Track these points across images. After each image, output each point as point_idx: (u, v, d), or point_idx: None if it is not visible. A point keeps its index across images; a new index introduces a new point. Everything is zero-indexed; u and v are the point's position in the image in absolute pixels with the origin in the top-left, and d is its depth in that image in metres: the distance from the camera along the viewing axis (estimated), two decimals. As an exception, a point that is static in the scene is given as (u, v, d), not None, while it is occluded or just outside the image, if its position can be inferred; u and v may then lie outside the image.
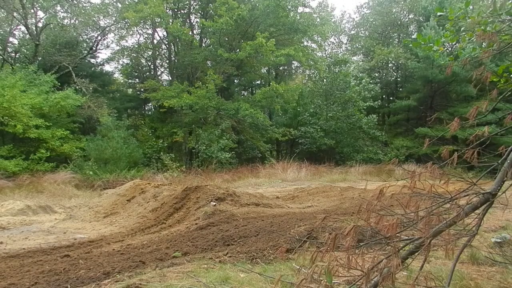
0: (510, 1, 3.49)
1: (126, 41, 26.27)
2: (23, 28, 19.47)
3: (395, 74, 28.42)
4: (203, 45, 23.47)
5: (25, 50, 20.61)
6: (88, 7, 21.05)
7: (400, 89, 27.34)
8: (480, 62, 3.60)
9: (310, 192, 9.86)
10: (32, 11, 19.46)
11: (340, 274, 1.88)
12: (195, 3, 23.89)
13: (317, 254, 1.65)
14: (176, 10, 22.80)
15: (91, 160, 15.16)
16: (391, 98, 28.03)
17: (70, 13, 21.46)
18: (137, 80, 26.26)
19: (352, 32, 31.75)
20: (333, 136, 22.06)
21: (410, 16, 28.15)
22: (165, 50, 24.87)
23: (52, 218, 7.32)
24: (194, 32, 23.78)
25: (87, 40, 22.92)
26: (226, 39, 21.79)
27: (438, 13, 4.09)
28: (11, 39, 20.40)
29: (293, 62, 26.44)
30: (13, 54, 21.04)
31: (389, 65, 28.33)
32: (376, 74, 28.34)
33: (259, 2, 20.46)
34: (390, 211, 1.87)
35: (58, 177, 13.12)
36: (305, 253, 2.83)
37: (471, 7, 4.05)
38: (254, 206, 6.72)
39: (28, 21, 18.91)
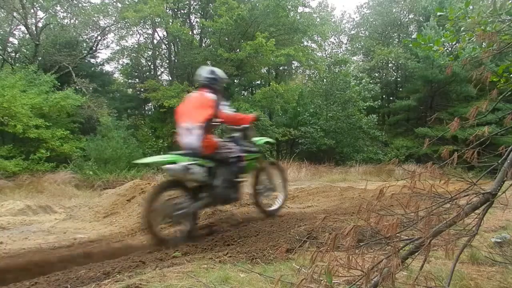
0: (510, 1, 3.49)
1: (126, 41, 26.26)
2: (23, 28, 19.49)
3: (395, 74, 28.42)
4: (203, 45, 23.48)
5: (25, 50, 20.61)
6: (88, 7, 21.05)
7: (400, 89, 27.33)
8: (480, 62, 3.60)
9: (310, 192, 9.84)
10: (32, 11, 19.45)
11: (340, 274, 1.88)
12: (195, 3, 23.90)
13: (317, 254, 1.65)
14: (176, 10, 22.81)
15: (91, 160, 15.15)
16: (391, 98, 28.02)
17: (70, 13, 21.48)
18: (137, 80, 26.25)
19: (352, 32, 31.76)
20: (333, 136, 22.06)
21: (410, 16, 28.16)
22: (165, 50, 24.88)
23: (52, 218, 7.31)
24: (194, 32, 23.78)
25: (87, 40, 22.92)
26: (226, 39, 21.79)
27: (438, 13, 4.09)
28: (11, 39, 20.43)
29: (293, 62, 26.43)
30: (13, 54, 21.05)
31: (389, 65, 28.33)
32: (376, 74, 28.34)
33: (259, 2, 20.46)
34: (390, 211, 1.87)
35: (58, 177, 13.11)
36: (305, 253, 2.82)
37: (471, 7, 4.05)
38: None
39: (28, 21, 18.90)
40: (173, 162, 3.59)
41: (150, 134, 21.04)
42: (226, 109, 3.96)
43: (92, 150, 15.47)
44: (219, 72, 4.25)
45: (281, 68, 26.99)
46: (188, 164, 3.61)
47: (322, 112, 22.91)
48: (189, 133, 3.73)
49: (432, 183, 1.77)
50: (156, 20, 21.07)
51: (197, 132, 3.70)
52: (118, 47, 24.31)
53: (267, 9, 19.83)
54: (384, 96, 28.45)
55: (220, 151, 3.93)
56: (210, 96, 3.86)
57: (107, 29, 22.07)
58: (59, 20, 20.84)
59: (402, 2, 27.60)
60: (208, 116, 3.75)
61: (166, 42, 24.02)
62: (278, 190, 5.01)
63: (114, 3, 21.83)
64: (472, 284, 2.40)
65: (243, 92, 27.44)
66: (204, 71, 4.16)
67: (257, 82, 26.89)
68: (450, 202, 1.80)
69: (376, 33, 29.06)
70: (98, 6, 20.90)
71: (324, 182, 13.74)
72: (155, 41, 24.43)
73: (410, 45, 4.49)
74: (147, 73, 25.63)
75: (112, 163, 15.14)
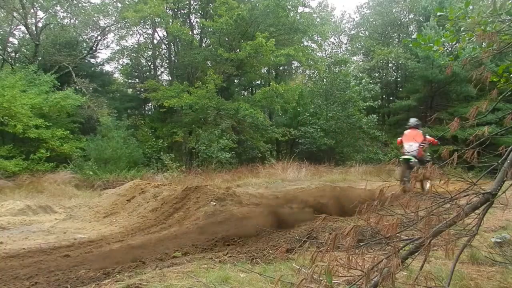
0: (510, 1, 3.49)
1: (126, 41, 26.23)
2: (23, 28, 19.47)
3: (395, 74, 28.39)
4: (203, 45, 23.45)
5: (25, 50, 20.58)
6: (88, 7, 21.03)
7: (400, 89, 27.31)
8: (480, 62, 3.60)
9: (310, 192, 9.85)
10: (32, 11, 19.44)
11: (340, 274, 1.88)
12: (195, 3, 23.88)
13: (317, 254, 1.65)
14: (176, 10, 22.78)
15: (91, 160, 15.15)
16: (391, 98, 28.01)
17: (70, 13, 21.45)
18: (137, 80, 26.22)
19: (352, 32, 31.71)
20: (333, 136, 22.02)
21: (410, 16, 28.12)
22: (165, 50, 24.86)
23: (52, 218, 7.32)
24: (194, 32, 23.75)
25: (87, 40, 22.89)
26: (226, 39, 21.77)
27: (438, 13, 4.09)
28: (11, 39, 20.41)
29: (293, 62, 26.41)
30: (13, 54, 21.03)
31: (389, 65, 28.29)
32: (376, 74, 28.30)
33: (259, 2, 20.45)
34: (390, 211, 1.87)
35: (58, 177, 13.11)
36: (305, 253, 2.83)
37: (471, 7, 4.04)
38: (254, 206, 6.72)
39: (28, 21, 18.90)
40: (411, 159, 7.82)
41: (150, 134, 21.02)
42: (428, 136, 8.34)
43: (92, 150, 15.47)
44: (418, 120, 8.89)
45: (281, 68, 26.98)
46: (416, 161, 7.75)
47: (322, 112, 22.88)
48: (412, 147, 8.01)
49: (432, 183, 1.77)
50: (156, 20, 21.05)
51: (416, 146, 7.92)
52: (118, 47, 24.30)
53: (267, 9, 19.81)
54: (384, 96, 28.42)
55: (423, 155, 8.01)
56: (420, 131, 8.32)
57: (107, 29, 22.06)
58: (59, 20, 20.83)
59: (402, 2, 27.58)
60: (421, 140, 7.93)
61: (166, 42, 24.00)
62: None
63: (114, 3, 21.82)
64: (472, 284, 2.40)
65: (243, 92, 27.44)
66: (413, 120, 8.78)
67: (257, 82, 26.87)
68: (450, 202, 1.80)
69: (376, 33, 29.04)
70: (98, 6, 20.89)
71: (324, 182, 13.74)
72: (155, 41, 24.43)
73: (410, 45, 4.50)
74: (147, 73, 25.61)
75: (112, 163, 15.15)
